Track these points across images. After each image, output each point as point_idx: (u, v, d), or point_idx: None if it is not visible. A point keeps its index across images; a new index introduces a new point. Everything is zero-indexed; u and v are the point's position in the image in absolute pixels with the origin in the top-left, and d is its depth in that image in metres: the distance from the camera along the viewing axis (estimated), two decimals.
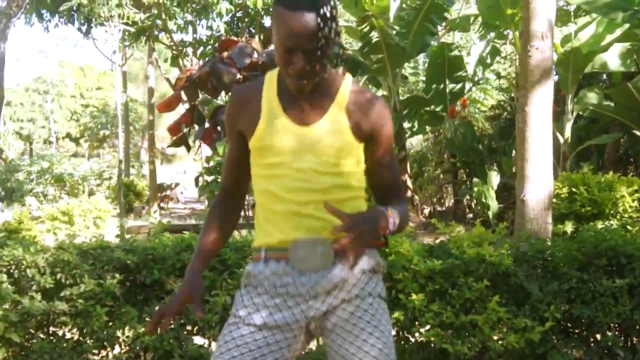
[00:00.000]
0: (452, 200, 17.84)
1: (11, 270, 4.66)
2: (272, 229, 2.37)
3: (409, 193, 15.84)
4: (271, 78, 2.38)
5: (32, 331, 4.70)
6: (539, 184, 6.11)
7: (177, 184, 28.07)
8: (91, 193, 23.07)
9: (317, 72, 2.20)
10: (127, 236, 5.19)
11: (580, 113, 14.47)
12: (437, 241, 5.23)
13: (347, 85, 2.36)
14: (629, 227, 5.33)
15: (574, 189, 9.09)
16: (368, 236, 2.13)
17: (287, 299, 2.34)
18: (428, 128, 18.50)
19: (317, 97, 2.31)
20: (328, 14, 2.11)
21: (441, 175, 18.95)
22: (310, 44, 2.11)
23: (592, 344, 4.80)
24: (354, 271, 2.35)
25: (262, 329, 2.33)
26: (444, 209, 19.19)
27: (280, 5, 2.12)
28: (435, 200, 19.23)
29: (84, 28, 15.98)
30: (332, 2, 2.14)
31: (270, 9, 13.16)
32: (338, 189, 2.33)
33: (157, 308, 2.14)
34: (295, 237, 2.31)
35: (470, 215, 16.22)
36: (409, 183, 15.93)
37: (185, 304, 2.35)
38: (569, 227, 5.65)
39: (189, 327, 4.78)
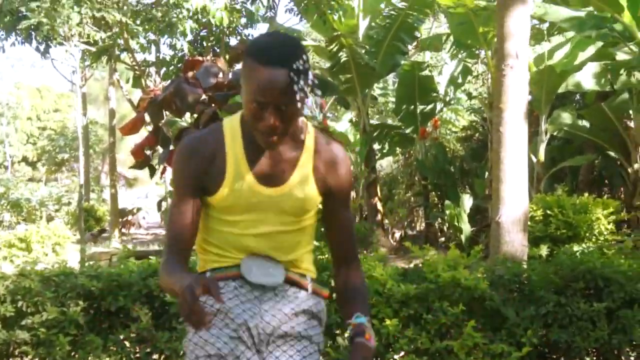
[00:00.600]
0: (424, 224, 17.79)
1: None
2: (220, 257, 2.29)
3: (379, 217, 15.67)
4: (233, 128, 2.25)
5: None
6: (515, 205, 6.07)
7: (139, 209, 27.84)
8: (49, 219, 22.82)
9: (288, 128, 2.11)
10: (91, 262, 5.05)
11: (554, 134, 14.50)
12: (411, 265, 5.16)
13: (311, 137, 2.29)
14: (605, 250, 5.29)
15: (548, 211, 9.08)
16: None
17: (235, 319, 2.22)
18: (398, 150, 18.46)
19: (285, 150, 2.23)
20: (301, 68, 2.02)
21: (412, 198, 18.93)
22: (283, 100, 2.02)
23: None
24: (297, 301, 2.30)
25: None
26: (415, 232, 19.16)
27: (252, 59, 2.03)
28: (406, 223, 19.19)
29: (42, 47, 15.73)
30: (304, 56, 2.05)
31: (236, 33, 13.05)
32: (297, 244, 2.32)
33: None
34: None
35: (443, 239, 16.15)
36: (379, 206, 15.77)
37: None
38: (543, 250, 5.59)
39: (155, 356, 4.64)
